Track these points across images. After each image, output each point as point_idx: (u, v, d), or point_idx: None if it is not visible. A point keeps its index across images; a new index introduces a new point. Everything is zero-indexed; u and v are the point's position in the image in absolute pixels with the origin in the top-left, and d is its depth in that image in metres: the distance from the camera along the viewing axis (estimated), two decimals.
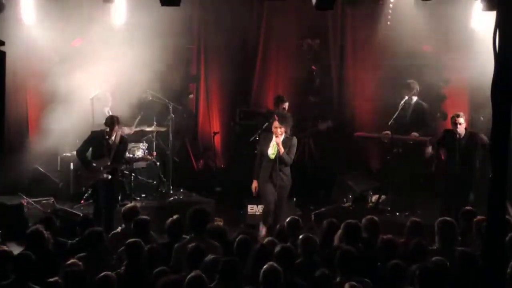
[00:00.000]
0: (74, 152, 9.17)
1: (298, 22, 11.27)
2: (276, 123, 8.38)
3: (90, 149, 8.66)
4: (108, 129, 8.50)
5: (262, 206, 8.86)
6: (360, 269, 5.41)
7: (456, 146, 8.73)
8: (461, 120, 8.72)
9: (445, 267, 5.28)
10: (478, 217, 6.41)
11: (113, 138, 8.54)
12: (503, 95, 2.79)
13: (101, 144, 8.54)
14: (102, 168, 8.50)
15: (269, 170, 8.43)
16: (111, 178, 8.56)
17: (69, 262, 5.37)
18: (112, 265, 5.82)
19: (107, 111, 10.03)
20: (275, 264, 5.05)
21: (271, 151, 8.41)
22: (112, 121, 8.54)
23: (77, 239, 6.62)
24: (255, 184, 8.65)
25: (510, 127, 2.81)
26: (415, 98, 9.60)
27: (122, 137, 8.75)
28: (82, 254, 5.88)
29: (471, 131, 8.91)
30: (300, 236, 5.97)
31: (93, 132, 8.74)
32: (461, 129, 8.75)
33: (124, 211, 7.11)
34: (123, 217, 7.05)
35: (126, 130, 9.65)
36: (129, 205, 7.59)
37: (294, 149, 8.55)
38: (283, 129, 8.37)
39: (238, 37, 11.69)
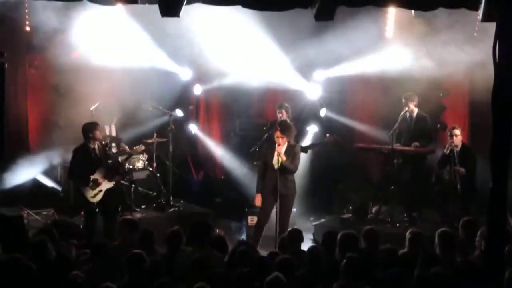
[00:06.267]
0: None
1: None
2: (278, 133, 8.31)
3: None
4: (88, 137, 8.41)
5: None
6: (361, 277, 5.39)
7: (454, 157, 8.98)
8: (457, 131, 9.06)
9: (444, 277, 5.26)
10: (483, 228, 6.36)
11: (96, 146, 8.50)
12: (503, 105, 2.80)
13: (89, 157, 8.46)
14: (104, 177, 8.46)
15: (273, 180, 8.29)
16: (114, 185, 8.62)
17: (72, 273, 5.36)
18: (115, 277, 5.79)
19: (109, 125, 10.06)
20: (279, 275, 5.00)
21: (275, 161, 8.29)
22: (86, 129, 8.47)
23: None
24: (258, 197, 8.47)
25: (510, 138, 2.82)
26: (416, 110, 9.63)
27: (101, 143, 8.71)
28: (88, 266, 5.87)
29: (468, 146, 9.18)
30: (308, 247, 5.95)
31: (75, 150, 8.54)
32: (457, 140, 9.04)
33: (124, 223, 7.09)
34: (123, 229, 7.02)
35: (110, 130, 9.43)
36: (129, 216, 7.57)
37: (298, 157, 8.46)
38: (285, 139, 8.32)
39: None
